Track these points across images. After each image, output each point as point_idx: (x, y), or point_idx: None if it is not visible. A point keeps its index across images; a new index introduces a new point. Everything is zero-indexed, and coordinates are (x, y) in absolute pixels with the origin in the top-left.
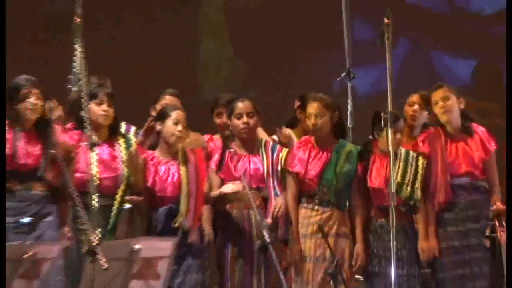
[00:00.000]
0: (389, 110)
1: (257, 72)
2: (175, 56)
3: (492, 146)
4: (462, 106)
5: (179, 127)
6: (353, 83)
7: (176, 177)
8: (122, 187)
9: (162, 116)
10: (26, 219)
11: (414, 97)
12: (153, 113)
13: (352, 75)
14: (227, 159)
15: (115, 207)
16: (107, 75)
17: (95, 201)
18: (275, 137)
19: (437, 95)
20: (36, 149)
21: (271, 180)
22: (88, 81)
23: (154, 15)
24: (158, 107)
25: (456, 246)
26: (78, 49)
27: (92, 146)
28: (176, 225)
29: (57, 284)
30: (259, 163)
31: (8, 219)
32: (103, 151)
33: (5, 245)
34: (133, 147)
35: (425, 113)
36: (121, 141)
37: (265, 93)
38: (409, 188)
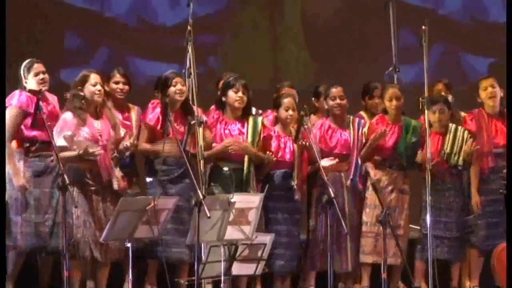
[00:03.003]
0: (426, 95)
1: (325, 68)
2: (265, 57)
3: None
4: (502, 94)
5: (290, 112)
6: (399, 75)
7: (292, 148)
8: (247, 156)
9: (277, 103)
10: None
11: (440, 85)
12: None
13: (397, 69)
14: (324, 132)
15: (245, 170)
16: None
17: (201, 165)
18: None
19: (487, 83)
20: (182, 127)
21: (355, 149)
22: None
23: (254, 25)
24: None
25: (494, 199)
26: (190, 49)
27: (200, 124)
28: (294, 184)
29: (170, 229)
30: (348, 136)
31: (155, 178)
32: (234, 128)
33: (5, 243)
34: (259, 126)
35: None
36: (250, 121)
37: (331, 85)
38: (456, 157)
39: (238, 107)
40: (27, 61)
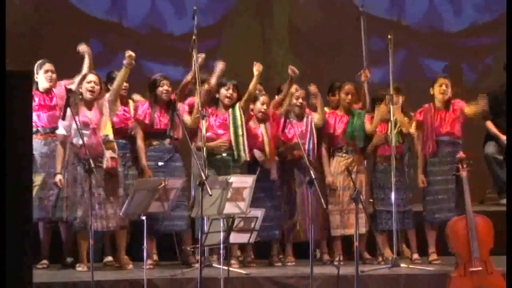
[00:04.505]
0: (391, 92)
1: (307, 68)
2: (257, 59)
3: (463, 115)
4: (452, 92)
5: (265, 107)
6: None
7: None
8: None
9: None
10: (160, 163)
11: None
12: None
13: None
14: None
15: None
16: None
17: (204, 151)
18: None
19: (442, 81)
20: (166, 118)
21: (307, 138)
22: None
23: (247, 31)
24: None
25: (439, 180)
26: (195, 56)
27: (203, 117)
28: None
29: (179, 204)
30: (302, 127)
31: (149, 163)
32: (222, 118)
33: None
34: (237, 112)
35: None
36: (231, 112)
37: (312, 82)
38: (396, 137)
39: (227, 103)
40: (41, 60)
